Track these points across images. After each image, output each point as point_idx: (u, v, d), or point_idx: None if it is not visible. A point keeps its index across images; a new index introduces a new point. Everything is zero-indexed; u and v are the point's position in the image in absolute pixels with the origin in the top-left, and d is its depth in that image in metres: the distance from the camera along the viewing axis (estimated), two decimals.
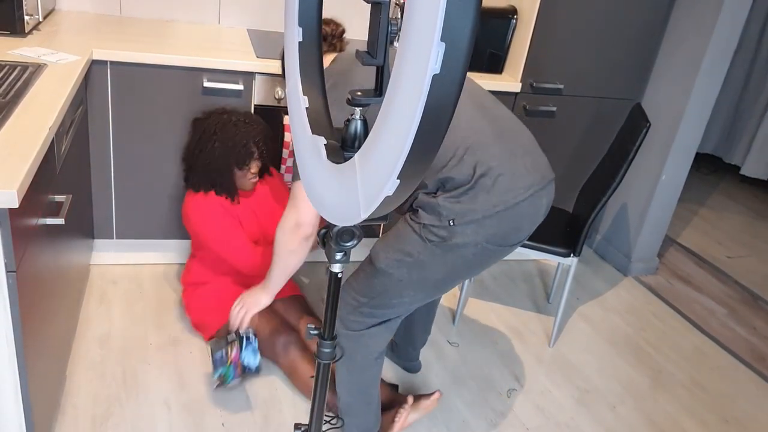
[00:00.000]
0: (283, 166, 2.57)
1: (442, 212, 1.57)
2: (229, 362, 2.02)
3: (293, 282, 2.47)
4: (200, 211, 2.19)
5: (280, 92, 2.46)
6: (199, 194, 2.21)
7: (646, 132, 2.28)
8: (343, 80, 1.68)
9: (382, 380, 2.11)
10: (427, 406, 2.05)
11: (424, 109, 0.74)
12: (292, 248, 1.70)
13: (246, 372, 2.04)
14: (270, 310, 2.28)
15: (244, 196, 2.31)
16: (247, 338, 2.00)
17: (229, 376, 2.02)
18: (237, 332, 2.00)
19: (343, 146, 1.08)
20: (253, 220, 2.30)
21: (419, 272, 1.63)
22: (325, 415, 2.06)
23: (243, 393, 2.12)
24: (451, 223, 1.56)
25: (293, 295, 2.39)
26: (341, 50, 1.87)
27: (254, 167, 2.22)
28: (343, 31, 1.89)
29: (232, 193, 2.23)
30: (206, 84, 2.36)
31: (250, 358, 2.02)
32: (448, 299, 2.82)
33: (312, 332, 1.40)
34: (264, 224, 2.33)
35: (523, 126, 1.72)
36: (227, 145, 2.15)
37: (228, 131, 2.16)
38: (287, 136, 2.53)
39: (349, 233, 1.23)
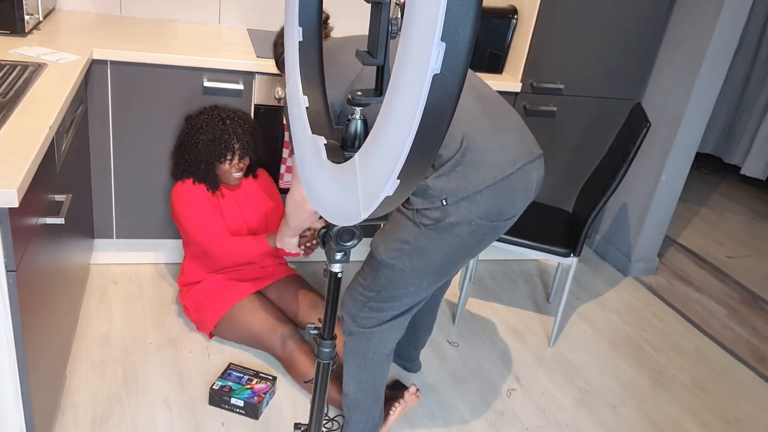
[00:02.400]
0: (283, 166, 2.57)
1: (433, 193, 1.58)
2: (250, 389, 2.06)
3: (287, 265, 2.48)
4: (183, 197, 2.23)
5: (280, 92, 2.46)
6: (183, 183, 2.25)
7: (647, 132, 2.28)
8: (328, 58, 1.69)
9: None
10: (408, 400, 2.08)
11: (425, 109, 0.74)
12: (302, 218, 1.77)
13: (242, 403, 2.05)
14: (266, 300, 2.29)
15: (231, 190, 2.32)
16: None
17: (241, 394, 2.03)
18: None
19: (343, 146, 1.08)
20: (238, 214, 2.31)
21: (419, 259, 1.65)
22: (325, 416, 2.06)
23: None
24: (444, 203, 1.58)
25: (287, 276, 2.42)
26: (326, 36, 1.89)
27: (237, 162, 2.24)
28: (327, 17, 1.90)
29: (213, 184, 2.26)
30: (206, 84, 2.36)
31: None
32: (448, 298, 2.82)
33: (312, 332, 1.40)
34: (249, 220, 2.34)
35: (509, 106, 1.74)
36: (209, 138, 2.19)
37: (214, 126, 2.20)
38: (287, 136, 2.53)
39: (349, 233, 1.23)
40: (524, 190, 1.64)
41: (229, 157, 2.21)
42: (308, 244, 2.13)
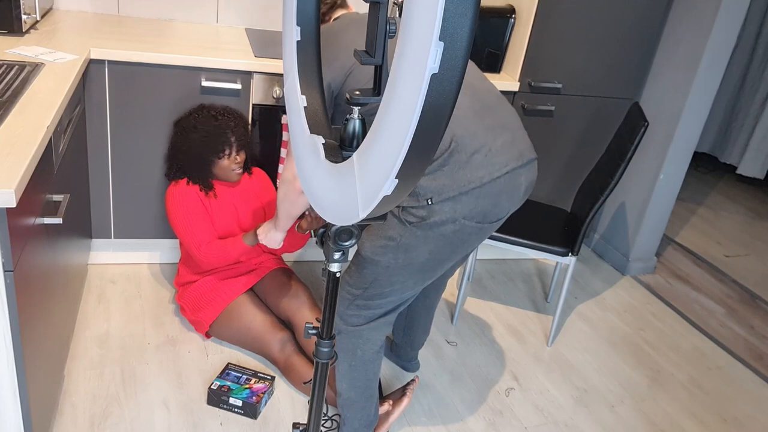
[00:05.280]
0: (281, 166, 2.56)
1: (419, 191, 1.59)
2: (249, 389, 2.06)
3: (277, 257, 2.48)
4: (175, 199, 2.23)
5: (278, 91, 2.46)
6: (177, 184, 2.25)
7: (644, 131, 2.28)
8: (331, 38, 1.69)
9: None
10: (408, 396, 2.10)
11: (423, 109, 0.74)
12: (291, 199, 1.74)
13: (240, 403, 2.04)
14: (259, 300, 2.30)
15: (229, 187, 2.33)
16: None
17: (240, 394, 2.03)
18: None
19: (342, 145, 1.08)
20: (232, 213, 2.31)
21: (404, 256, 1.65)
22: (324, 415, 2.06)
23: None
24: (429, 202, 1.59)
25: (276, 269, 2.42)
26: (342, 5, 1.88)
27: (235, 156, 2.24)
28: (333, 5, 1.88)
29: (207, 183, 2.26)
30: (204, 83, 2.36)
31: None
32: (446, 298, 2.82)
33: (310, 331, 1.40)
34: (242, 219, 2.34)
35: (507, 103, 1.71)
36: (203, 135, 2.20)
37: (206, 123, 2.21)
38: (285, 136, 2.53)
39: (348, 232, 1.23)
40: (510, 193, 1.63)
41: (227, 151, 2.21)
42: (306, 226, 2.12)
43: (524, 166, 1.65)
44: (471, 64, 1.73)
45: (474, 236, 1.66)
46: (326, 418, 2.06)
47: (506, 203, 1.64)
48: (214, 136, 2.19)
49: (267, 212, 2.43)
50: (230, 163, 2.24)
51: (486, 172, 1.58)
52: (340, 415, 1.97)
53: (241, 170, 2.28)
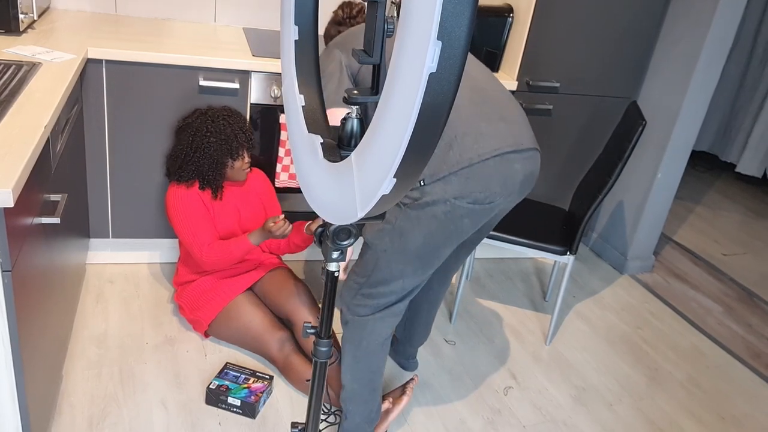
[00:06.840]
0: (279, 165, 2.56)
1: None
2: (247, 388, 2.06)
3: (276, 257, 2.49)
4: (178, 201, 2.23)
5: (276, 91, 2.46)
6: (179, 185, 2.24)
7: (642, 130, 2.28)
8: (355, 34, 1.79)
9: None
10: (408, 394, 2.12)
11: (421, 108, 0.74)
12: None
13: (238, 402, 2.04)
14: (258, 300, 2.29)
15: (232, 187, 2.33)
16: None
17: (239, 393, 2.03)
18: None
19: (340, 145, 1.08)
20: (234, 214, 2.31)
21: (399, 239, 1.69)
22: (323, 412, 2.06)
23: None
24: (422, 183, 1.63)
25: (274, 268, 2.41)
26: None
27: (246, 156, 2.26)
28: (361, 10, 1.97)
29: (219, 187, 2.26)
30: (202, 83, 2.35)
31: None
32: (445, 296, 2.82)
33: (309, 331, 1.40)
34: (244, 221, 2.34)
35: (512, 100, 1.74)
36: (221, 138, 2.19)
37: (218, 125, 2.20)
38: (284, 135, 2.52)
39: (346, 232, 1.23)
40: (502, 178, 1.64)
41: (241, 153, 2.23)
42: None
43: (519, 153, 1.66)
44: (482, 68, 1.78)
45: (466, 219, 1.67)
46: (328, 413, 2.06)
47: (498, 188, 1.64)
48: (231, 138, 2.20)
49: (267, 211, 2.43)
50: (242, 164, 2.25)
51: (475, 154, 1.60)
52: (341, 411, 1.97)
53: (249, 168, 2.30)
